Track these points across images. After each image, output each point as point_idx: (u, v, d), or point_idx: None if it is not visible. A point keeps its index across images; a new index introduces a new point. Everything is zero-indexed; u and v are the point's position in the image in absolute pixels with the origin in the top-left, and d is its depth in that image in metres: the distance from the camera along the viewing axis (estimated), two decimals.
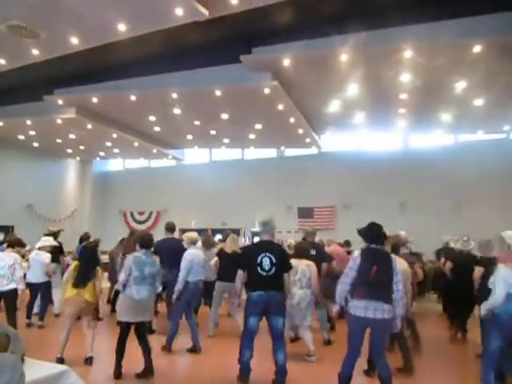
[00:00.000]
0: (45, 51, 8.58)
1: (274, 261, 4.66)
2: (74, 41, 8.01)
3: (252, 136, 14.34)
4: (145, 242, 5.11)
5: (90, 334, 5.34)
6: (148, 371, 4.87)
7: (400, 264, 4.32)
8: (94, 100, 11.24)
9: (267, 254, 4.70)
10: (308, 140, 14.37)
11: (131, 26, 7.49)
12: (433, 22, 7.58)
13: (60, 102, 11.42)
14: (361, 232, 4.12)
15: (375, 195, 14.57)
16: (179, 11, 6.91)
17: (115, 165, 20.97)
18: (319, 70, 9.21)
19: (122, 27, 7.48)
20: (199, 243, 7.18)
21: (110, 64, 9.93)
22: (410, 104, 11.04)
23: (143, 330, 5.05)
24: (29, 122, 13.06)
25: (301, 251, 5.97)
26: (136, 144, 15.17)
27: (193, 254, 6.17)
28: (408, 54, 8.17)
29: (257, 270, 4.65)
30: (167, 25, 7.49)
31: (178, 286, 5.93)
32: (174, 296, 5.95)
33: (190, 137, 15.02)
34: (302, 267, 5.68)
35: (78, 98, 11.35)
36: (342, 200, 15.32)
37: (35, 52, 8.54)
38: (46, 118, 12.64)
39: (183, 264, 6.02)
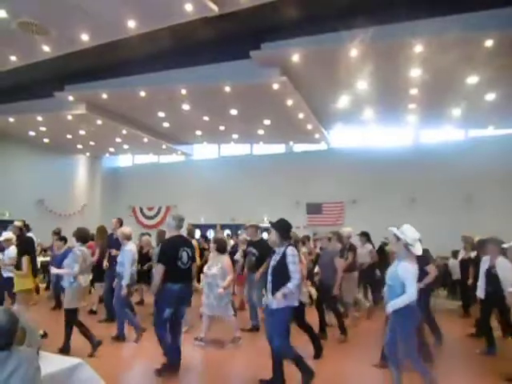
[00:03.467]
0: (55, 48, 8.65)
1: (190, 255, 5.04)
2: (84, 37, 8.07)
3: (261, 132, 14.32)
4: (81, 236, 5.78)
5: None
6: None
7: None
8: (104, 96, 11.31)
9: (185, 248, 5.02)
10: (317, 136, 14.32)
11: (141, 22, 7.53)
12: (443, 17, 7.48)
13: (70, 98, 11.51)
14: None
15: (384, 191, 14.50)
16: (189, 7, 6.94)
17: (125, 160, 21.09)
18: (328, 65, 9.15)
19: (131, 24, 7.52)
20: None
21: (119, 60, 9.98)
22: (420, 99, 10.94)
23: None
24: (40, 118, 13.18)
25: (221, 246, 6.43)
26: (145, 140, 15.25)
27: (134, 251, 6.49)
28: (418, 48, 8.08)
29: (177, 263, 4.90)
30: (177, 21, 7.52)
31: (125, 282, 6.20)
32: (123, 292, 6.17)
33: (198, 132, 15.05)
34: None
35: (88, 95, 11.43)
36: (351, 196, 15.26)
37: (46, 48, 8.61)
38: (56, 114, 12.74)
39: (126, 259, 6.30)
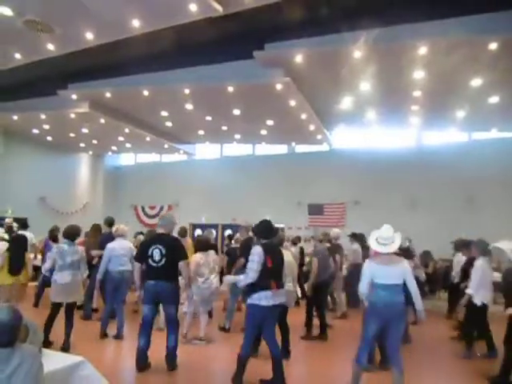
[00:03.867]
0: (60, 46, 8.68)
1: (163, 252, 5.02)
2: (89, 36, 8.10)
3: (263, 132, 14.33)
4: (68, 233, 5.86)
5: None
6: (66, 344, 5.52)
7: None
8: (108, 95, 11.34)
9: (158, 245, 5.07)
10: (319, 136, 14.32)
11: (145, 21, 7.55)
12: (447, 19, 7.46)
13: (74, 96, 11.55)
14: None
15: (386, 193, 14.49)
16: (193, 7, 6.95)
17: (127, 159, 21.11)
18: (332, 66, 9.15)
19: (136, 23, 7.54)
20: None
21: (123, 59, 9.99)
22: (423, 101, 10.93)
23: (71, 310, 5.74)
24: (43, 117, 13.21)
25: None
26: (148, 139, 15.27)
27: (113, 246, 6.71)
28: (421, 50, 8.07)
29: (148, 261, 5.07)
30: (181, 21, 7.52)
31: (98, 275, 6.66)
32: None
33: (201, 132, 15.07)
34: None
35: (91, 93, 11.45)
36: (353, 197, 15.25)
37: (50, 47, 8.65)
38: (59, 113, 12.76)
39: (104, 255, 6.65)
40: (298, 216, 15.77)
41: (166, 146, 16.48)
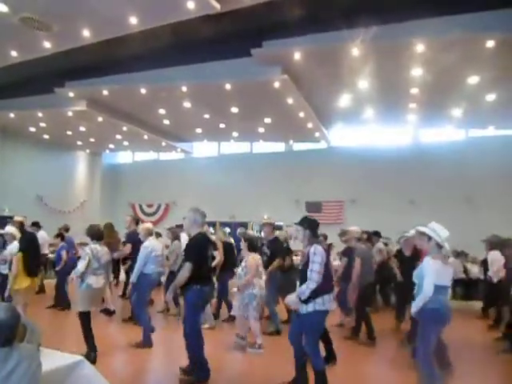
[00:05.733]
0: (57, 44, 8.62)
1: (212, 253, 4.86)
2: (86, 33, 8.05)
3: (261, 130, 14.32)
4: (96, 234, 5.38)
5: None
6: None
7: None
8: (105, 93, 11.30)
9: (209, 246, 4.72)
10: (317, 134, 14.32)
11: (143, 19, 7.51)
12: (445, 17, 7.48)
13: (71, 94, 11.50)
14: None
15: (384, 190, 14.50)
16: (191, 4, 6.93)
17: (124, 157, 21.06)
18: (329, 64, 9.15)
19: (133, 20, 7.50)
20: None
21: (120, 57, 9.94)
22: (421, 99, 10.94)
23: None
24: (40, 115, 13.16)
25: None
26: (145, 137, 15.23)
27: (150, 246, 6.25)
28: (419, 48, 8.07)
29: (207, 262, 4.63)
30: (178, 18, 7.50)
31: (133, 278, 5.97)
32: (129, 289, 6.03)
33: (199, 130, 15.04)
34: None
35: (88, 91, 11.41)
36: (351, 195, 15.26)
37: (47, 44, 8.59)
38: (56, 111, 12.72)
39: (140, 255, 6.06)
40: (295, 214, 15.67)
41: (163, 144, 16.44)
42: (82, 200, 18.91)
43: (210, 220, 16.66)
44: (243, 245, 6.17)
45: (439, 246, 3.92)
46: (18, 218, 8.02)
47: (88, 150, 19.08)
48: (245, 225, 14.36)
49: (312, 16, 8.10)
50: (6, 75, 10.55)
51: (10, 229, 6.81)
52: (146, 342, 5.77)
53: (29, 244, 5.94)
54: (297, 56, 8.81)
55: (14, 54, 9.07)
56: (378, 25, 7.70)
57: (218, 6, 7.00)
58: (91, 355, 4.86)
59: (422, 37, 7.81)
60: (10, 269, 5.91)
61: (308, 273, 3.93)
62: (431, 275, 3.79)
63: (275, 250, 6.88)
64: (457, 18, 7.41)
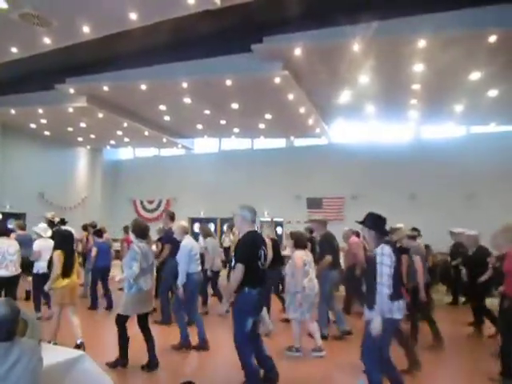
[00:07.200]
0: (57, 40, 8.59)
1: (265, 253, 4.38)
2: (86, 29, 8.02)
3: (262, 126, 14.29)
4: (143, 232, 5.01)
5: (75, 320, 5.42)
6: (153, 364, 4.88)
7: None
8: (105, 89, 11.27)
9: (262, 245, 4.37)
10: (318, 130, 14.29)
11: (143, 15, 7.48)
12: (447, 12, 7.43)
13: (71, 90, 11.47)
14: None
15: (385, 187, 14.50)
16: (191, 0, 6.89)
17: (125, 153, 21.09)
18: (330, 59, 9.11)
19: (133, 16, 7.47)
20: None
21: (120, 53, 9.91)
22: (422, 95, 10.89)
23: (146, 322, 4.98)
24: (40, 111, 13.15)
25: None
26: (146, 133, 15.22)
27: (191, 244, 5.96)
28: (420, 44, 8.02)
29: (258, 264, 4.23)
30: (179, 14, 7.46)
31: (181, 280, 5.64)
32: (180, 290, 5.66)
33: (199, 126, 15.02)
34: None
35: (89, 87, 11.39)
36: (351, 191, 15.27)
37: (47, 40, 8.56)
38: (57, 107, 12.70)
39: (182, 255, 5.77)
40: (296, 210, 15.79)
41: (164, 140, 16.43)
42: (83, 196, 18.94)
43: (211, 216, 16.87)
44: (288, 242, 5.97)
45: None
46: (48, 215, 7.86)
47: (89, 146, 19.08)
48: None
49: (313, 12, 8.06)
50: (6, 71, 10.53)
51: (42, 226, 6.82)
52: (184, 343, 5.71)
53: (64, 242, 5.54)
54: (297, 52, 8.77)
55: (13, 50, 9.04)
56: (379, 20, 7.65)
57: (218, 1, 6.97)
58: (120, 362, 4.80)
59: (422, 32, 7.75)
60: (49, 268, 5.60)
61: (378, 278, 3.61)
62: None
63: (324, 247, 6.65)
64: (458, 13, 7.36)
